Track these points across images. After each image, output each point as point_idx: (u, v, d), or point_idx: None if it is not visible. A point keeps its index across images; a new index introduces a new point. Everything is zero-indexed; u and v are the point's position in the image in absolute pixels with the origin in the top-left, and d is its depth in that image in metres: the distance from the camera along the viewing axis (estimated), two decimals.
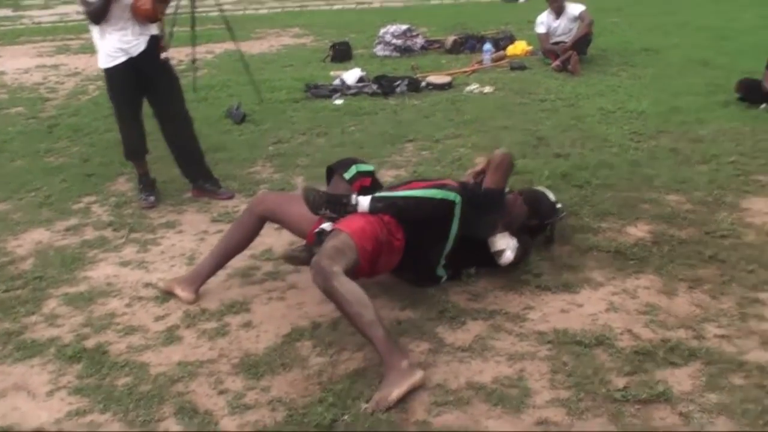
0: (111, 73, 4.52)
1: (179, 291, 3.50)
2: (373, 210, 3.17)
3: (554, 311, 3.25)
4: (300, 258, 3.24)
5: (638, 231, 3.99)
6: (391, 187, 3.53)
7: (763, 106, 6.22)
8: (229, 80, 8.49)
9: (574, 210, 4.24)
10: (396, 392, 2.61)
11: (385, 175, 4.97)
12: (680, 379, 2.72)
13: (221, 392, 2.81)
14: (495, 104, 6.86)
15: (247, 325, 3.28)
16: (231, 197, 4.81)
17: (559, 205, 3.86)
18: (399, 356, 2.72)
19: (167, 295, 3.55)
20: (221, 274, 3.68)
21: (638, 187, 4.61)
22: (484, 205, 3.43)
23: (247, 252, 3.72)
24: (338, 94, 7.42)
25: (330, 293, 2.81)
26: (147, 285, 3.70)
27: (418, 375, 2.70)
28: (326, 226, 3.18)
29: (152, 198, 4.78)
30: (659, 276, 3.50)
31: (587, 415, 2.56)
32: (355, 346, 3.02)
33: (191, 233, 4.31)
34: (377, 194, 3.26)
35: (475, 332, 3.10)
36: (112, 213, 4.68)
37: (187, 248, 4.10)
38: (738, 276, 3.45)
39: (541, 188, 3.99)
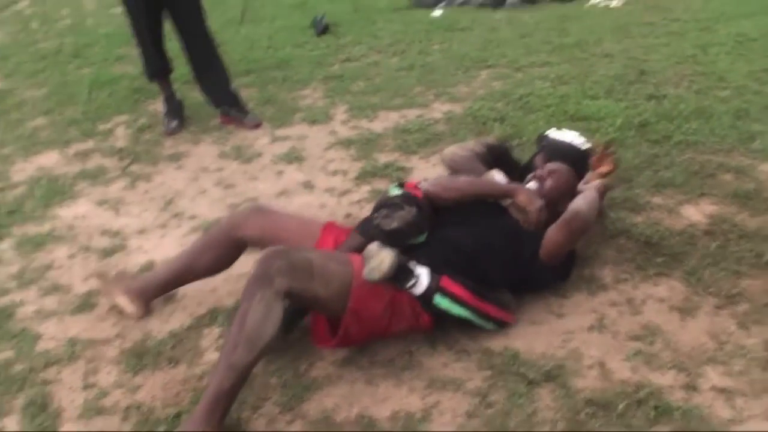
0: None
1: (122, 300, 2.72)
2: (422, 305, 2.40)
3: (524, 322, 2.56)
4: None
5: (696, 213, 3.12)
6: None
7: None
8: None
9: (628, 176, 3.41)
10: None
11: (437, 110, 4.30)
12: None
13: (87, 387, 2.44)
14: (613, 24, 5.81)
15: (170, 298, 2.85)
16: (257, 126, 4.35)
17: (587, 145, 3.00)
18: (207, 425, 2.07)
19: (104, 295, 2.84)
20: (185, 226, 3.29)
21: (730, 148, 3.64)
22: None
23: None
24: (444, 3, 6.66)
25: (248, 297, 2.14)
26: (104, 232, 3.37)
27: None
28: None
29: (174, 124, 4.41)
30: (686, 284, 2.67)
31: None
32: None
33: (189, 170, 3.91)
34: (439, 300, 2.37)
35: (403, 346, 2.48)
36: (131, 138, 4.38)
37: (172, 189, 3.71)
38: None
39: (553, 133, 3.05)
